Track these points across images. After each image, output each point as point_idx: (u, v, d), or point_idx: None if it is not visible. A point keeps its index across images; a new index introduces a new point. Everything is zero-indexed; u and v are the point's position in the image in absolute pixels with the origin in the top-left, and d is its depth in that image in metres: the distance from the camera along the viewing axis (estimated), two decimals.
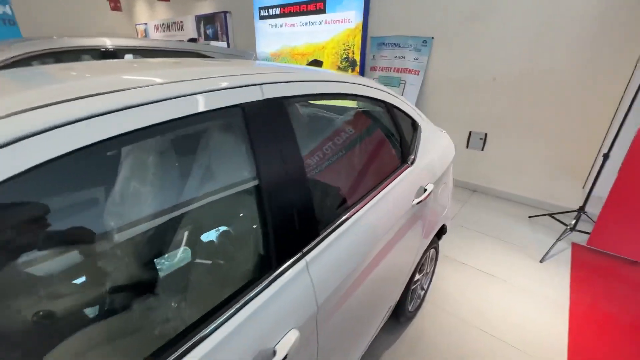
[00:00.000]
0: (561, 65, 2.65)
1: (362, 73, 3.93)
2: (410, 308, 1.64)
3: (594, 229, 2.31)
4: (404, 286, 1.38)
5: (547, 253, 2.29)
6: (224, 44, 5.28)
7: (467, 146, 3.37)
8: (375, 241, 0.97)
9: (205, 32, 5.98)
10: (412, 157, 1.26)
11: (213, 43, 5.02)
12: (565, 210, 2.68)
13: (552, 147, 2.87)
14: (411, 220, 1.21)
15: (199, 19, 5.99)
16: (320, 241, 0.78)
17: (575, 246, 2.44)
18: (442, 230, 1.77)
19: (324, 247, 0.78)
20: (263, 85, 0.72)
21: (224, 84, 0.65)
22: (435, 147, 1.46)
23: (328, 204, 0.93)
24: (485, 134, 3.22)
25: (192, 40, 3.12)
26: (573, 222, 2.43)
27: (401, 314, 1.57)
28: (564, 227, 2.46)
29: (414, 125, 1.34)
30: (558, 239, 2.37)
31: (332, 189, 0.97)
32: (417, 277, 1.59)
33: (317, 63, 1.45)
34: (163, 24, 6.96)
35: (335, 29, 3.97)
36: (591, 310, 1.84)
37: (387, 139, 1.22)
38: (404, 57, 3.50)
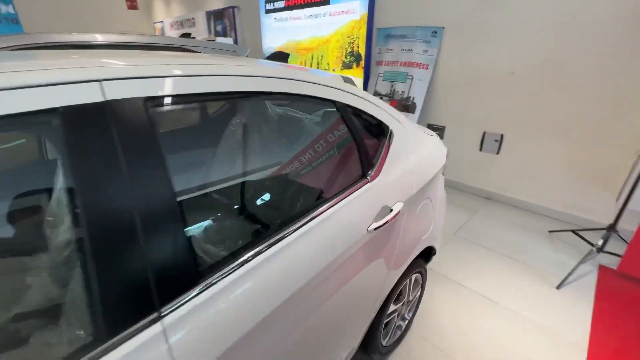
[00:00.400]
0: (592, 56, 2.25)
1: (367, 68, 3.65)
2: (385, 342, 1.40)
3: (626, 251, 1.93)
4: (367, 323, 1.14)
5: (566, 278, 1.94)
6: (230, 40, 5.17)
7: (481, 148, 3.01)
8: (305, 282, 0.75)
9: (215, 29, 5.92)
10: (374, 170, 1.02)
11: (219, 39, 4.93)
12: (593, 228, 2.29)
13: (579, 151, 2.47)
14: (368, 249, 0.98)
15: (209, 15, 5.93)
16: (196, 293, 0.58)
17: (602, 271, 2.06)
18: (429, 252, 1.51)
19: (200, 302, 0.58)
20: (104, 82, 0.52)
21: (31, 80, 0.46)
22: (415, 156, 1.20)
23: (218, 242, 0.73)
24: (502, 135, 2.85)
25: (185, 35, 3.00)
26: (601, 241, 2.05)
27: (373, 350, 1.33)
28: (590, 247, 2.09)
29: (383, 131, 1.09)
30: (581, 262, 2.00)
31: (231, 221, 0.76)
32: (393, 308, 1.34)
33: (281, 56, 1.26)
34: (177, 22, 7.00)
35: (339, 20, 3.71)
36: (617, 357, 1.50)
37: (336, 149, 0.99)
38: (412, 50, 3.19)
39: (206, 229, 0.81)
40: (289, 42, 4.48)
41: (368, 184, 0.98)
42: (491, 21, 2.66)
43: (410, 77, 3.21)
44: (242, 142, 1.04)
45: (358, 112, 1.01)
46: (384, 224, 0.96)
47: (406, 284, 1.39)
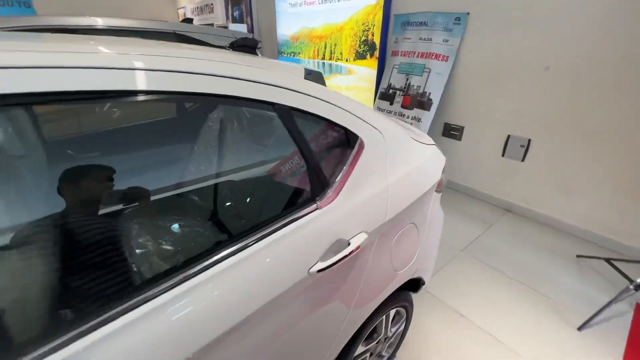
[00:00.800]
0: None
1: (381, 59, 3.34)
2: None
3: None
4: None
5: (592, 317, 1.62)
6: (243, 27, 4.99)
7: (504, 154, 2.65)
8: (212, 337, 0.57)
9: (232, 14, 5.77)
10: (328, 193, 0.79)
11: (233, 26, 4.76)
12: (633, 260, 1.91)
13: (622, 164, 2.07)
14: (314, 293, 0.77)
15: (227, 0, 5.77)
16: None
17: (639, 312, 1.71)
18: (417, 282, 1.27)
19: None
20: None
21: None
22: (396, 171, 0.96)
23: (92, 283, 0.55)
24: (529, 140, 2.48)
25: (187, 20, 2.86)
26: None
27: None
28: (627, 283, 1.73)
29: (349, 141, 0.86)
30: (614, 300, 1.66)
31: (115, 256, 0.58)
32: (363, 349, 1.13)
33: (249, 44, 1.06)
34: (197, 7, 6.92)
35: (354, 5, 3.40)
36: None
37: (274, 166, 0.77)
38: (431, 40, 2.84)
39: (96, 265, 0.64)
40: (303, 29, 4.23)
41: (317, 212, 0.76)
42: (526, 6, 2.27)
43: (428, 70, 2.87)
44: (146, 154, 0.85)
45: (318, 118, 0.78)
46: (336, 263, 0.75)
47: (383, 319, 1.17)
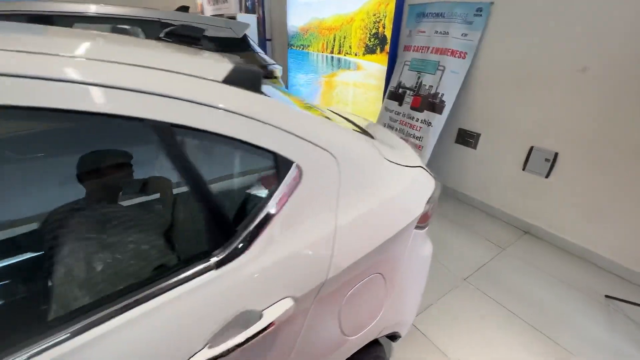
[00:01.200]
0: None
1: (392, 54, 3.03)
2: None
3: None
4: None
5: None
6: (253, 17, 4.78)
7: (525, 167, 2.31)
8: None
9: (245, 5, 5.58)
10: (234, 245, 0.56)
11: (241, 17, 4.56)
12: None
13: None
14: None
15: None
16: None
17: None
18: (392, 336, 1.03)
19: None
20: None
21: None
22: (354, 208, 0.72)
23: None
24: (555, 154, 2.12)
25: (182, 8, 2.69)
26: None
27: None
28: None
29: (278, 170, 0.62)
30: None
31: None
32: None
33: (188, 32, 0.89)
34: None
35: None
36: None
37: (155, 208, 0.55)
38: (448, 33, 2.50)
39: None
40: (313, 21, 3.96)
41: (213, 272, 0.54)
42: None
43: (442, 68, 2.54)
44: None
45: (217, 139, 0.55)
46: (232, 349, 0.52)
47: None
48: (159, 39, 0.95)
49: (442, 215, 2.54)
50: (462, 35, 2.43)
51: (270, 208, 0.61)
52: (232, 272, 0.55)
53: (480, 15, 2.31)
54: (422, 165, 0.98)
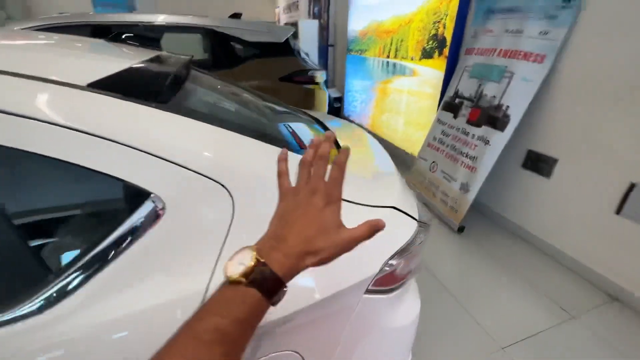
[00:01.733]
0: None
1: (452, 58, 2.60)
2: None
3: None
4: None
5: None
6: (314, 23, 4.76)
7: (620, 210, 1.69)
8: None
9: (312, 11, 5.64)
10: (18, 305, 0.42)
11: (303, 22, 4.57)
12: None
13: None
14: None
15: None
16: None
17: None
18: None
19: None
20: None
21: None
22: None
23: None
24: None
25: (235, 15, 2.77)
26: None
27: None
28: None
29: (131, 204, 0.45)
30: None
31: None
32: None
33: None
34: (287, 6, 7.09)
35: None
36: None
37: None
38: (521, 32, 2.01)
39: None
40: (372, 23, 3.73)
41: None
42: None
43: (509, 75, 2.05)
44: None
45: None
46: None
47: None
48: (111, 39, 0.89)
49: (493, 255, 2.04)
50: (540, 33, 1.92)
51: (105, 252, 0.45)
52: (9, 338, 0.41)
53: (569, 6, 1.78)
54: (395, 206, 0.70)
